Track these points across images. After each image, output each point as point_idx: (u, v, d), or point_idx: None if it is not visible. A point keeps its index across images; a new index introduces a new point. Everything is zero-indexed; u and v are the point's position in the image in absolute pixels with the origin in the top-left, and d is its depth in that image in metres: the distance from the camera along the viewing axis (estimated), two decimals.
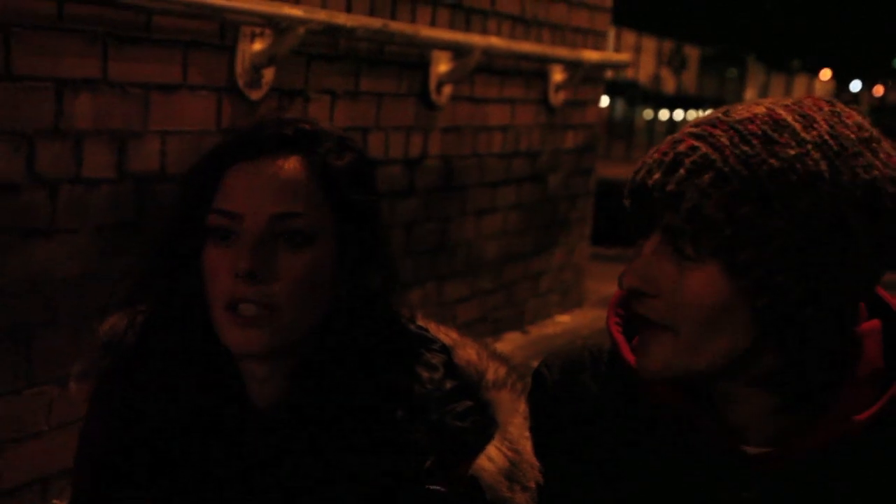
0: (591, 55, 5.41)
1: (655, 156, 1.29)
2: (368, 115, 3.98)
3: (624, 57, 7.18)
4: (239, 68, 3.24)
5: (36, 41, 2.61)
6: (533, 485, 1.36)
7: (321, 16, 3.38)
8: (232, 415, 1.36)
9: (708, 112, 1.34)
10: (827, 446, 1.29)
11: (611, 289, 1.44)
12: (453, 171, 4.58)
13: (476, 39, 4.32)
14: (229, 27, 3.19)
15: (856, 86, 56.10)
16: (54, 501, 2.73)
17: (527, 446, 1.37)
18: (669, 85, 39.95)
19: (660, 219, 1.27)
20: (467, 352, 1.44)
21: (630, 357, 1.34)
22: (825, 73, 53.83)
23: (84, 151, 2.76)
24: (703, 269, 1.25)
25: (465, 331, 1.51)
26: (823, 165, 1.23)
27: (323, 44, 3.62)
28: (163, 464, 1.35)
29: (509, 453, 1.35)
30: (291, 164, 1.33)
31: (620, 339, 1.36)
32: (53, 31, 2.65)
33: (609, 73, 7.36)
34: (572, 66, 5.27)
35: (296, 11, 3.25)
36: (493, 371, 1.43)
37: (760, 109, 1.28)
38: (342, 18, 3.52)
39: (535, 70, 5.14)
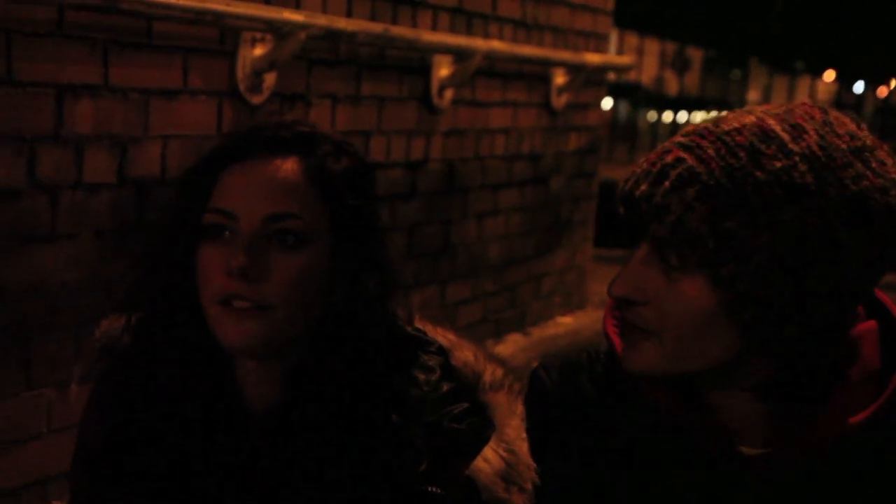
0: (592, 58, 5.41)
1: (644, 165, 1.29)
2: (370, 119, 3.99)
3: (626, 60, 7.19)
4: (240, 73, 3.24)
5: (37, 47, 2.61)
6: (530, 486, 1.36)
7: (322, 21, 3.38)
8: (227, 417, 1.36)
9: (710, 115, 1.34)
10: (822, 447, 1.29)
11: None
12: (455, 174, 4.58)
13: (478, 43, 4.32)
14: (230, 32, 3.19)
15: (859, 87, 55.98)
16: (53, 503, 2.74)
17: (523, 448, 1.38)
18: (672, 87, 39.92)
19: (647, 228, 1.27)
20: (464, 353, 1.45)
21: None
22: (829, 75, 53.74)
23: (85, 157, 2.77)
24: (690, 280, 1.25)
25: (466, 333, 1.51)
26: (810, 178, 1.21)
27: (324, 49, 3.63)
28: (159, 465, 1.36)
29: (506, 455, 1.36)
30: (288, 166, 1.33)
31: (617, 341, 1.36)
32: (54, 38, 2.65)
33: (611, 76, 7.37)
34: (574, 69, 5.27)
35: (297, 17, 3.25)
36: (491, 373, 1.43)
37: (750, 119, 1.27)
38: (343, 23, 3.52)
39: (537, 73, 5.14)
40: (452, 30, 4.38)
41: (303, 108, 3.58)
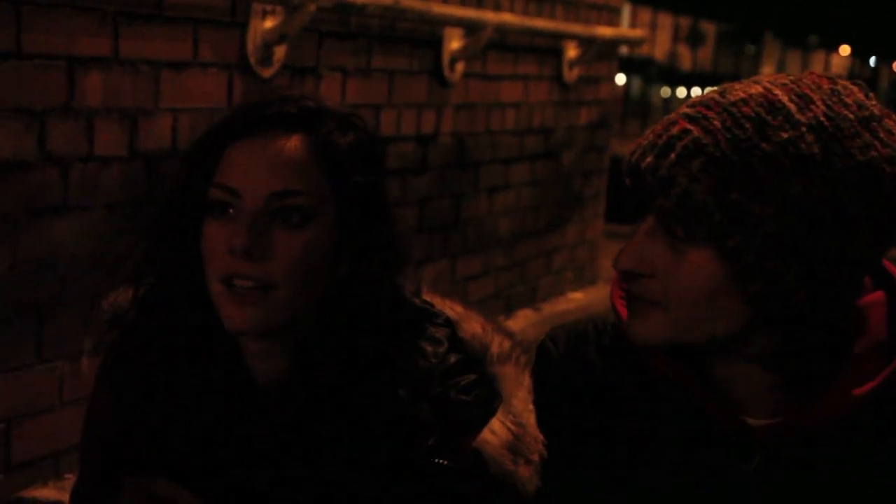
0: (604, 31, 5.39)
1: (650, 137, 1.28)
2: (380, 92, 3.98)
3: (638, 33, 7.15)
4: (250, 46, 3.24)
5: (47, 19, 2.61)
6: (536, 458, 1.36)
7: None
8: (233, 390, 1.36)
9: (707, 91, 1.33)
10: (829, 418, 1.29)
11: None
12: (466, 147, 4.58)
13: (489, 16, 4.30)
14: (241, 4, 3.18)
15: (875, 62, 55.64)
16: (67, 475, 2.76)
17: (531, 419, 1.38)
18: (686, 62, 39.75)
19: (653, 201, 1.27)
20: (472, 325, 1.45)
21: None
22: (844, 49, 53.40)
23: (95, 130, 2.77)
24: (697, 252, 1.24)
25: (477, 308, 1.51)
26: (816, 149, 1.21)
27: (334, 21, 3.61)
28: (168, 440, 1.36)
29: (513, 427, 1.35)
30: (293, 142, 1.32)
31: (624, 313, 1.36)
32: (64, 10, 2.65)
33: (624, 50, 7.33)
34: (586, 42, 5.25)
35: None
36: (498, 344, 1.43)
37: (757, 89, 1.25)
38: None
39: (549, 46, 5.12)
40: (463, 2, 4.36)
41: (313, 81, 3.57)
